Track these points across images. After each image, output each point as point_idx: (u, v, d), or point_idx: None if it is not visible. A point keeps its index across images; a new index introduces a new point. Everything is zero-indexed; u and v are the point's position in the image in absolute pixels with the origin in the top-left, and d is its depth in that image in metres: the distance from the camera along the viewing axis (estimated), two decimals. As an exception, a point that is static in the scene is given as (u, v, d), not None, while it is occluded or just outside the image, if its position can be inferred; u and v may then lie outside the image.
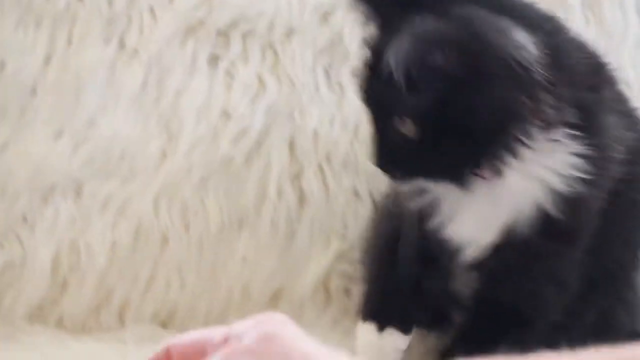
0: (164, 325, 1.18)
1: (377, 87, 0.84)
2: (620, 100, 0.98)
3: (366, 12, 0.89)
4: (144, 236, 1.18)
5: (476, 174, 0.87)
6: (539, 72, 0.84)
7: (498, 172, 0.87)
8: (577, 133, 0.87)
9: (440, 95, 0.82)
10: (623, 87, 1.03)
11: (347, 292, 1.18)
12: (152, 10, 1.23)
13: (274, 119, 1.19)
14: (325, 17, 1.22)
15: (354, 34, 1.18)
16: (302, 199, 1.19)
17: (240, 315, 1.11)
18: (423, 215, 0.94)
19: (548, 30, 0.87)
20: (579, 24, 1.24)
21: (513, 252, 0.91)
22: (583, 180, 0.88)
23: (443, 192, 0.91)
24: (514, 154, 0.86)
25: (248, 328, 0.57)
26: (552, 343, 0.89)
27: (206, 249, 1.18)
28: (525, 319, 0.95)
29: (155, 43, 1.21)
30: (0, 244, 1.17)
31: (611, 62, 1.00)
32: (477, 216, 0.91)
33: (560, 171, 0.87)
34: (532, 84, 0.84)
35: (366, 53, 0.88)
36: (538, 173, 0.87)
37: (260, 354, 0.52)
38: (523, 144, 0.86)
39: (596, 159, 0.88)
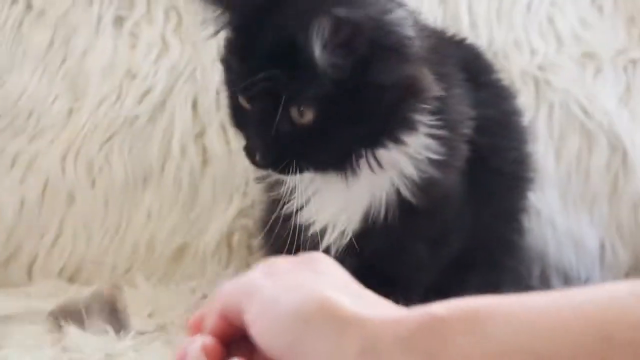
0: (71, 280, 1.22)
1: (262, 77, 0.79)
2: (476, 73, 1.00)
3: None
4: (50, 192, 1.21)
5: (362, 159, 0.88)
6: (419, 47, 0.86)
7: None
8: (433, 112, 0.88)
9: (342, 77, 0.81)
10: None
11: (248, 247, 1.21)
12: None
13: (177, 78, 1.22)
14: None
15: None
16: (204, 157, 1.22)
17: (145, 269, 1.17)
18: (284, 202, 0.95)
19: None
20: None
21: (375, 237, 0.93)
22: (435, 162, 0.89)
23: (302, 180, 0.88)
24: (408, 132, 0.87)
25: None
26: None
27: (112, 205, 1.21)
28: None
29: (62, 3, 1.24)
30: None
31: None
32: (336, 202, 0.92)
33: (414, 155, 0.89)
34: (418, 59, 0.86)
35: (239, 42, 0.85)
36: (394, 157, 0.88)
37: (304, 264, 0.52)
38: (414, 121, 0.87)
39: (447, 138, 0.90)
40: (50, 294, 1.16)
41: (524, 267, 1.11)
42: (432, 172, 0.89)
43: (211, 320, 0.53)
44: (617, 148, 1.21)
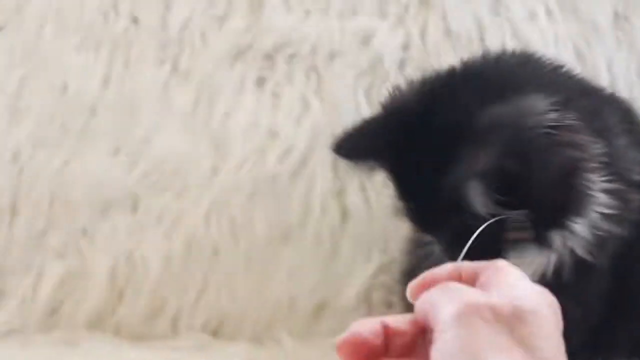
0: (214, 334, 1.26)
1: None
2: (627, 121, 0.99)
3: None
4: (195, 248, 1.27)
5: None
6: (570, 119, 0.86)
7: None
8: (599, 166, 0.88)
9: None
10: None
11: (388, 304, 1.24)
12: (203, 35, 1.32)
13: (318, 137, 1.26)
14: (365, 40, 1.29)
15: (393, 56, 1.25)
16: (344, 214, 1.26)
17: (286, 326, 1.22)
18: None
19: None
20: (610, 45, 1.29)
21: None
22: (609, 216, 0.85)
23: None
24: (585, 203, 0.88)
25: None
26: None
27: (254, 261, 1.26)
28: None
29: (206, 65, 1.31)
30: (62, 255, 1.28)
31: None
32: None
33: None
34: (568, 135, 0.86)
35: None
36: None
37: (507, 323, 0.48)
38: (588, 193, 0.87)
39: (618, 190, 0.88)
40: (196, 347, 1.21)
41: None
42: (607, 227, 0.88)
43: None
44: None
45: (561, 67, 0.98)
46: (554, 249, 0.90)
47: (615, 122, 0.95)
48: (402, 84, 0.95)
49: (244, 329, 1.26)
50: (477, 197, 0.81)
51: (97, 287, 1.26)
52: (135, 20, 1.34)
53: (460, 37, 1.29)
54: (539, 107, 0.83)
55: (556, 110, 0.84)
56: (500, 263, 0.56)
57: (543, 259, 0.92)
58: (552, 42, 1.29)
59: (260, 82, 1.31)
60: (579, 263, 0.91)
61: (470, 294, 0.52)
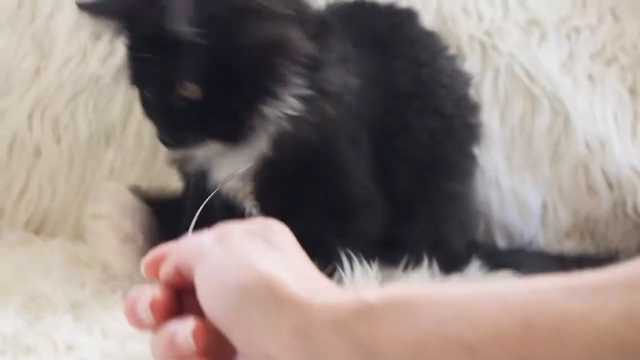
0: (36, 232, 1.34)
1: (151, 60, 0.92)
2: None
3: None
4: (18, 147, 1.33)
5: (250, 125, 0.99)
6: (286, 10, 0.98)
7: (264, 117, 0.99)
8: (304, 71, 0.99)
9: (215, 45, 0.93)
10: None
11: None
12: None
13: None
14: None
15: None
16: (165, 115, 1.33)
17: (108, 223, 1.29)
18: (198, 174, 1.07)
19: None
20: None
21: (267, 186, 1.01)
22: (294, 118, 0.96)
23: (207, 149, 0.99)
24: (282, 90, 0.98)
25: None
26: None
27: (76, 160, 1.34)
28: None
29: None
30: None
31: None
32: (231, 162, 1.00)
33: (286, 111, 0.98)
34: (284, 21, 0.98)
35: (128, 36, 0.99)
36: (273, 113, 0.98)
37: (259, 234, 0.55)
38: (288, 79, 0.98)
39: (311, 98, 0.97)
40: (18, 244, 1.27)
41: (470, 217, 1.23)
42: (288, 127, 0.96)
43: (166, 269, 0.56)
44: (560, 112, 1.33)
45: None
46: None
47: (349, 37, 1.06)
48: None
49: (66, 226, 1.34)
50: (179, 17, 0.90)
51: None
52: None
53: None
54: None
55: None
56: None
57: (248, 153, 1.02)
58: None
59: None
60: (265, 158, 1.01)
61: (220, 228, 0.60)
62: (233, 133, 0.95)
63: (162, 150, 1.27)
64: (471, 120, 1.20)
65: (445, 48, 1.22)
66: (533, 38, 1.36)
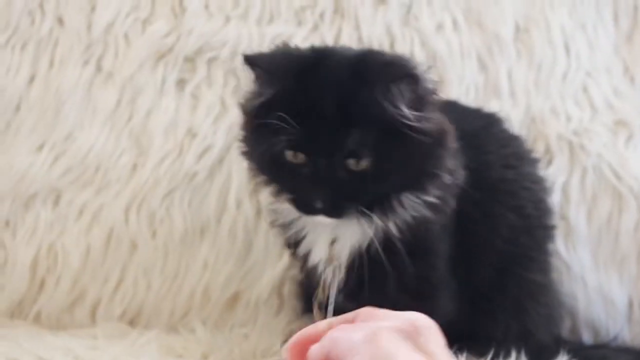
0: (131, 323, 1.40)
1: (323, 132, 0.98)
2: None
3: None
4: (114, 241, 1.41)
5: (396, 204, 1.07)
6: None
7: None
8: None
9: (395, 125, 0.99)
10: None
11: (298, 296, 1.39)
12: (126, 37, 1.46)
13: (235, 137, 1.38)
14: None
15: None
16: (258, 211, 1.40)
17: (200, 316, 1.38)
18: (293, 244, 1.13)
19: None
20: (512, 56, 1.48)
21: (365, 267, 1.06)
22: (430, 204, 1.06)
23: (310, 222, 1.07)
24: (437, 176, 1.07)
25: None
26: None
27: (171, 255, 1.41)
28: None
29: (129, 66, 1.45)
30: (-15, 246, 1.39)
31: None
32: (329, 237, 1.08)
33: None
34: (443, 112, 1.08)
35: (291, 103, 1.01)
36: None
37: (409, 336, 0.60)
38: (444, 168, 1.08)
39: (446, 185, 1.06)
40: (114, 336, 1.34)
41: (554, 309, 1.30)
42: (425, 213, 1.05)
43: (317, 355, 0.62)
44: (646, 211, 1.37)
45: None
46: (375, 222, 1.06)
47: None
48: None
49: (160, 318, 1.40)
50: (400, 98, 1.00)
51: (19, 277, 1.40)
52: (60, 21, 1.47)
53: (371, 45, 1.44)
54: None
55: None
56: (368, 308, 0.69)
57: (365, 232, 1.08)
58: (458, 52, 1.46)
59: (181, 83, 1.45)
60: (389, 241, 1.08)
61: (370, 323, 0.66)
62: (379, 208, 1.01)
63: (256, 244, 1.39)
64: (547, 222, 1.29)
65: (529, 152, 1.31)
66: (620, 138, 1.43)
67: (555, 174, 1.41)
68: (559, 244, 1.38)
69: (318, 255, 1.12)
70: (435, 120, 1.03)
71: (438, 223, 1.09)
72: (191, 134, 1.42)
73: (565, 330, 1.37)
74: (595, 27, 1.49)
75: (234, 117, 1.39)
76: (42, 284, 1.39)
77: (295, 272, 1.38)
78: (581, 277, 1.39)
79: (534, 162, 1.29)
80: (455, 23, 1.45)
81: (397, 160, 0.99)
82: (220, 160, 1.41)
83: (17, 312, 1.39)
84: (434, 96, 1.04)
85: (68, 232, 1.39)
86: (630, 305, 1.39)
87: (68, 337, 1.32)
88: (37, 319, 1.39)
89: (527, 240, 1.23)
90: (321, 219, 1.02)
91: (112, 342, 1.29)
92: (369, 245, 1.06)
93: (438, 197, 1.06)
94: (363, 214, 1.01)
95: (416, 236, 1.07)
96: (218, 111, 1.43)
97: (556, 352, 1.23)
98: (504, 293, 1.21)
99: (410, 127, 0.98)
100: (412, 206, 1.05)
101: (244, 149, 1.11)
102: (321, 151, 0.98)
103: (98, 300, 1.40)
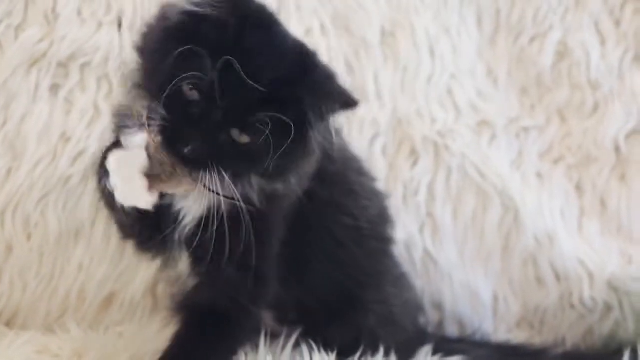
0: (8, 324, 1.55)
1: (236, 86, 1.07)
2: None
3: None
4: (-11, 244, 1.52)
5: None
6: None
7: None
8: None
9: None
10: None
11: (171, 296, 1.46)
12: None
13: (108, 142, 1.55)
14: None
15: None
16: (132, 213, 1.57)
17: (76, 316, 1.55)
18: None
19: None
20: (379, 60, 1.66)
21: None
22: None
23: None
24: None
25: None
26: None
27: (46, 257, 1.56)
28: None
29: (2, 72, 1.57)
30: None
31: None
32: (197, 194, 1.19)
33: None
34: None
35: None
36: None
37: None
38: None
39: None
40: None
41: (404, 318, 1.45)
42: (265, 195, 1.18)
43: None
44: (510, 208, 1.60)
45: None
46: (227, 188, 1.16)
47: None
48: None
49: (36, 319, 1.55)
50: None
51: None
52: None
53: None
54: None
55: None
56: None
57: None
58: (326, 56, 1.62)
59: (54, 88, 1.59)
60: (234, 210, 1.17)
61: None
62: (236, 178, 1.13)
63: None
64: (385, 233, 1.44)
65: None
66: (484, 138, 1.63)
67: (421, 174, 1.61)
68: (427, 241, 1.58)
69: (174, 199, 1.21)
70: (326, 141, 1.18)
71: (282, 208, 1.23)
72: (65, 138, 1.56)
73: (431, 325, 1.58)
74: (459, 30, 1.68)
75: (107, 122, 1.53)
76: None
77: (169, 272, 1.46)
78: (448, 273, 1.60)
79: (373, 178, 1.46)
80: (323, 27, 1.62)
81: (273, 152, 1.10)
82: (94, 164, 1.48)
83: None
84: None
85: (-58, 235, 1.49)
86: (495, 299, 1.60)
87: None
88: None
89: (358, 248, 1.37)
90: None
91: (-14, 342, 1.39)
92: (216, 210, 1.15)
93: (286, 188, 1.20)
94: (220, 176, 1.11)
95: (260, 212, 1.18)
96: (91, 115, 1.57)
97: (419, 345, 1.42)
98: (339, 312, 1.36)
99: (314, 129, 1.13)
100: (257, 188, 1.18)
101: (140, 48, 1.18)
102: (224, 108, 1.08)
103: (-26, 303, 1.50)
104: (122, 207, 1.17)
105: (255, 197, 1.17)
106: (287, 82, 1.10)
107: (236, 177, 1.14)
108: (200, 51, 1.07)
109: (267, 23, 1.15)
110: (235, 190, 1.13)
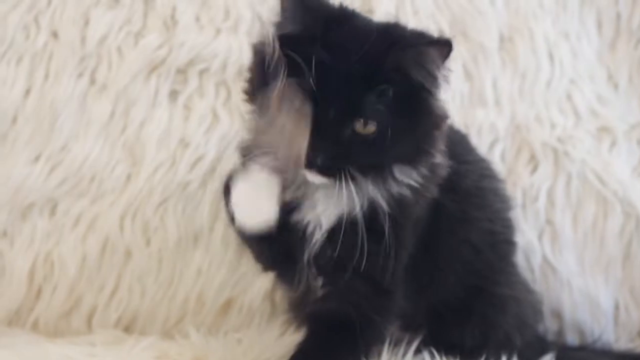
0: (127, 330, 1.59)
1: (339, 86, 1.07)
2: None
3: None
4: (110, 250, 1.59)
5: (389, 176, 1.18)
6: None
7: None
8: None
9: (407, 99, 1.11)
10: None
11: (297, 306, 1.48)
12: (119, 50, 1.63)
13: (226, 147, 1.58)
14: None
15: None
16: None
17: (195, 321, 1.60)
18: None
19: None
20: (497, 65, 1.67)
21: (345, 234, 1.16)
22: (411, 187, 1.19)
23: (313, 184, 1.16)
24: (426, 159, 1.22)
25: None
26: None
27: (165, 262, 1.59)
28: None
29: (122, 78, 1.62)
30: (-18, 256, 1.55)
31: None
32: (326, 204, 1.19)
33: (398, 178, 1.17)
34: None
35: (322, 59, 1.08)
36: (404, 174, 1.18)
37: None
38: (435, 152, 1.22)
39: (426, 176, 1.20)
40: (110, 342, 1.51)
41: (528, 319, 1.45)
42: (407, 193, 1.19)
43: None
44: (631, 215, 1.61)
45: None
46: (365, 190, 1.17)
47: None
48: None
49: (155, 324, 1.59)
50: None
51: (16, 286, 1.57)
52: (55, 35, 1.64)
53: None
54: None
55: None
56: None
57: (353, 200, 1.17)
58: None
59: (173, 95, 1.63)
60: (373, 213, 1.18)
61: None
62: (375, 175, 1.14)
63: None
64: (512, 237, 1.45)
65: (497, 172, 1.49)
66: (604, 144, 1.64)
67: (541, 180, 1.61)
68: (546, 248, 1.60)
69: (302, 213, 1.21)
70: (440, 105, 1.19)
71: (415, 212, 1.23)
72: (184, 144, 1.59)
73: (551, 333, 1.58)
74: (578, 35, 1.69)
75: (226, 128, 1.60)
76: (39, 292, 1.58)
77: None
78: (567, 280, 1.60)
79: (503, 180, 1.47)
80: (440, 33, 1.62)
81: (402, 130, 1.10)
82: (212, 170, 1.58)
83: (15, 319, 1.57)
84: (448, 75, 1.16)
85: (64, 241, 1.58)
86: (617, 307, 1.60)
87: (66, 344, 1.48)
88: (34, 327, 1.57)
89: (493, 253, 1.39)
90: (312, 176, 1.14)
91: (109, 349, 1.46)
92: (351, 216, 1.17)
93: (423, 178, 1.21)
94: (354, 179, 1.12)
95: (394, 218, 1.18)
96: (210, 121, 1.61)
97: (540, 353, 1.43)
98: (471, 309, 1.37)
99: (430, 92, 1.13)
100: (400, 180, 1.19)
101: (248, 90, 1.20)
102: (333, 105, 1.09)
103: (94, 308, 1.58)
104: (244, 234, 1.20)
105: (384, 202, 1.18)
106: (379, 55, 1.10)
107: (377, 173, 1.16)
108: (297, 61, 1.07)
109: (348, 16, 1.17)
110: (375, 190, 1.16)
